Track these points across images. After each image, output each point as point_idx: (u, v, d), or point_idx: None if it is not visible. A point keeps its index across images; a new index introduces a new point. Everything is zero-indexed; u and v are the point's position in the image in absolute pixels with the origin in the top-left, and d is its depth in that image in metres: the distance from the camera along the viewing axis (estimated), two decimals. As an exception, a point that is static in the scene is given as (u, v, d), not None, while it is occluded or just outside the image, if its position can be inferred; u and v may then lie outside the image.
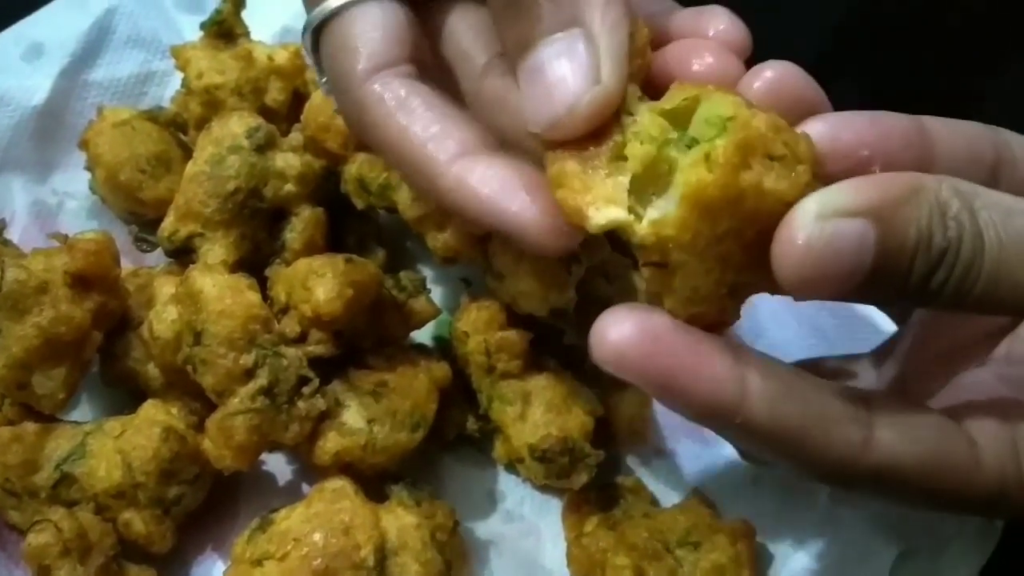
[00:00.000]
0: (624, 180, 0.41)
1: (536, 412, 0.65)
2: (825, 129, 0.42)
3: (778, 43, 0.51)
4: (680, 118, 0.41)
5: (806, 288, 0.39)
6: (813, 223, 0.38)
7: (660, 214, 0.40)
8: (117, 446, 0.61)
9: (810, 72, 0.46)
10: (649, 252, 0.42)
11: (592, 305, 0.66)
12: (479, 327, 0.66)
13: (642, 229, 0.41)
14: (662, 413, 0.70)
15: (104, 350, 0.67)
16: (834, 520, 0.64)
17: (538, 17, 0.43)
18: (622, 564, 0.59)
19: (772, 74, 0.45)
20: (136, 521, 0.61)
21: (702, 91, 0.41)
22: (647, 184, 0.41)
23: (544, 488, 0.68)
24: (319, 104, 0.68)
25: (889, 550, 0.62)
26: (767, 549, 0.64)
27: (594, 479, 0.65)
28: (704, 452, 0.69)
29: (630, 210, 0.41)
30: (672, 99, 0.42)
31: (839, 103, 0.46)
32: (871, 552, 0.63)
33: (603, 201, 0.41)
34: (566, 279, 0.63)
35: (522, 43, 0.43)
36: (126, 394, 0.67)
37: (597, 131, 0.43)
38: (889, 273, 0.40)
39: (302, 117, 0.70)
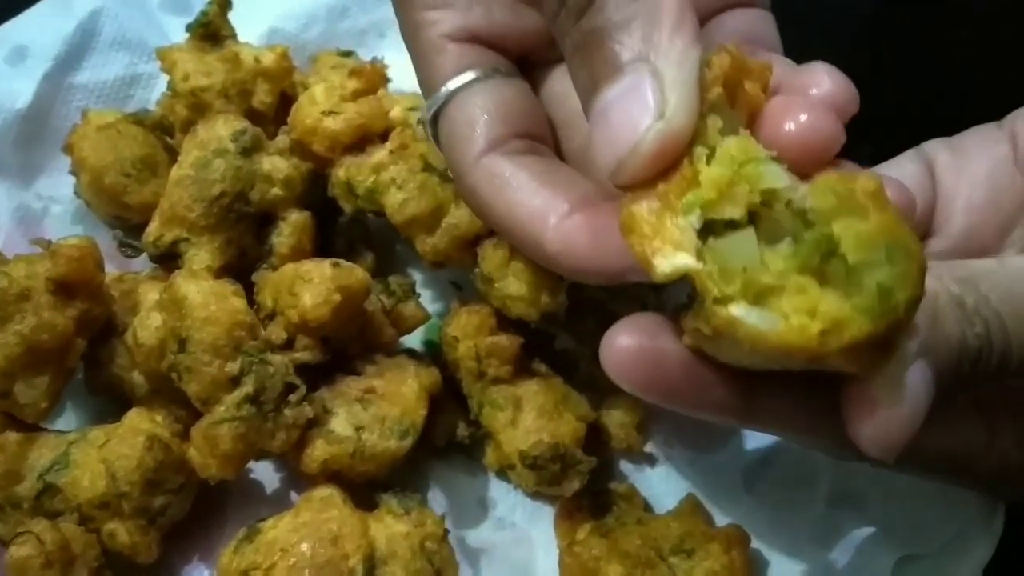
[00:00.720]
0: (692, 220, 0.38)
1: (527, 418, 0.64)
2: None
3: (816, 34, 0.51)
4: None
5: (889, 453, 0.40)
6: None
7: (770, 325, 0.36)
8: (101, 455, 0.60)
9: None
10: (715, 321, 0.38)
11: (584, 309, 0.65)
12: (469, 332, 0.65)
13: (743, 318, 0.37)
14: (656, 419, 0.69)
15: (88, 357, 0.66)
16: (831, 526, 0.63)
17: (603, 59, 0.41)
18: (615, 572, 0.58)
19: (830, 83, 0.45)
20: (121, 532, 0.60)
21: (852, 196, 0.36)
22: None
23: (536, 495, 0.67)
24: (306, 106, 0.67)
25: (888, 555, 0.61)
26: (762, 556, 0.63)
27: (587, 486, 0.64)
28: (698, 459, 0.68)
29: (699, 254, 0.38)
30: (819, 192, 0.37)
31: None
32: (870, 558, 0.62)
33: (670, 246, 0.38)
34: (557, 283, 0.62)
35: (591, 87, 0.42)
36: (111, 402, 0.66)
37: (670, 171, 0.39)
38: (945, 389, 0.41)
39: (289, 120, 0.69)
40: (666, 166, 0.40)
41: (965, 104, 0.56)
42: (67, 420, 0.68)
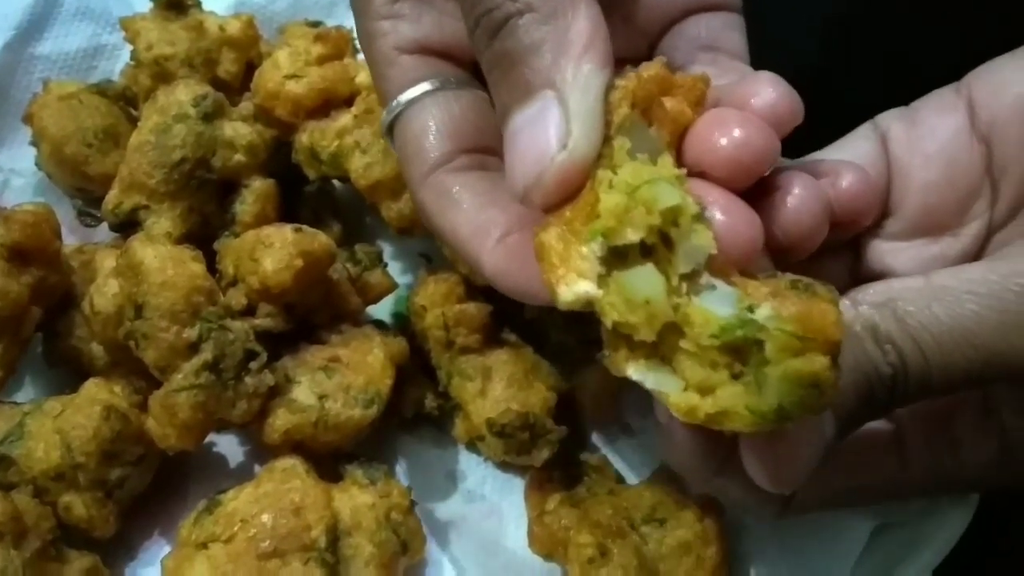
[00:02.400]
0: (595, 248, 0.38)
1: (496, 387, 0.62)
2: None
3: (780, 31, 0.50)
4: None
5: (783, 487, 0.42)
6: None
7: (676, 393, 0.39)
8: (56, 426, 0.58)
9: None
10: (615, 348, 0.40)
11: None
12: (437, 300, 0.64)
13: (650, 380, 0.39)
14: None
15: (47, 329, 0.64)
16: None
17: (514, 82, 0.41)
18: (585, 542, 0.57)
19: (773, 94, 0.44)
20: (77, 504, 0.58)
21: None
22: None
23: (506, 468, 0.65)
24: (269, 71, 0.66)
25: (864, 524, 0.60)
26: (735, 526, 0.61)
27: (558, 457, 0.62)
28: (672, 428, 0.66)
29: (601, 280, 0.38)
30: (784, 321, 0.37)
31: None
32: (845, 527, 0.60)
33: (574, 274, 0.38)
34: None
35: (503, 110, 0.42)
36: (70, 375, 0.65)
37: (575, 196, 0.39)
38: (854, 419, 0.42)
39: (252, 84, 0.67)
40: (570, 194, 0.40)
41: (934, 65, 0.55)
42: (26, 394, 0.67)
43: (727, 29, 0.52)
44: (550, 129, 0.39)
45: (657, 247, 0.38)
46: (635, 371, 0.39)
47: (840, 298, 0.38)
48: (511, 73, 0.41)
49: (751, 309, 0.37)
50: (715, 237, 0.38)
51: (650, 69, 0.41)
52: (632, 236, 0.38)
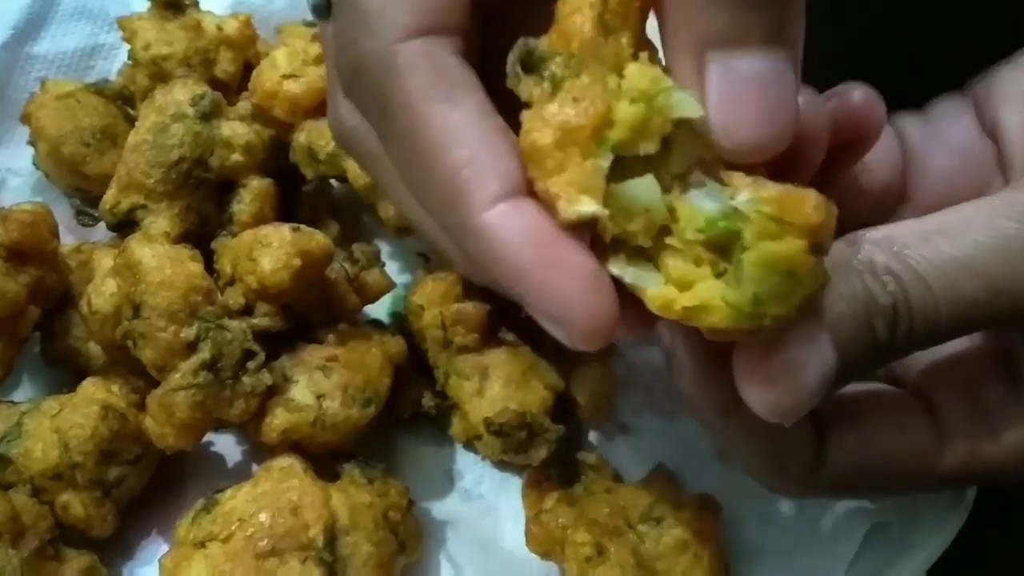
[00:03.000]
0: (603, 164, 0.35)
1: (494, 387, 0.63)
2: None
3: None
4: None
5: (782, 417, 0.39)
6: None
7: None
8: (54, 425, 0.58)
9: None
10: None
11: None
12: (435, 299, 0.64)
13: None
14: (625, 388, 0.68)
15: (45, 328, 0.64)
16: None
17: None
18: (582, 541, 0.57)
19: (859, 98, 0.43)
20: (75, 504, 0.58)
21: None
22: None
23: (503, 467, 0.65)
24: (266, 70, 0.66)
25: (860, 524, 0.60)
26: (733, 525, 0.61)
27: (555, 455, 0.62)
28: (668, 427, 0.67)
29: (607, 200, 0.36)
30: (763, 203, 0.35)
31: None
32: (841, 527, 0.61)
33: (576, 189, 0.35)
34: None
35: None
36: (68, 374, 0.65)
37: (580, 96, 0.36)
38: (856, 355, 0.40)
39: (249, 84, 0.67)
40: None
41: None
42: (24, 393, 0.67)
43: None
44: None
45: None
46: (615, 267, 0.37)
47: (827, 199, 0.36)
48: None
49: (732, 197, 0.35)
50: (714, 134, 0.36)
51: None
52: (646, 148, 0.36)
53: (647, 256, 0.37)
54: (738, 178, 0.36)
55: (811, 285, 0.35)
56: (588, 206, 0.35)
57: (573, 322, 0.35)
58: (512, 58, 0.37)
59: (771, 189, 0.35)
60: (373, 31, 0.39)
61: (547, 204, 0.36)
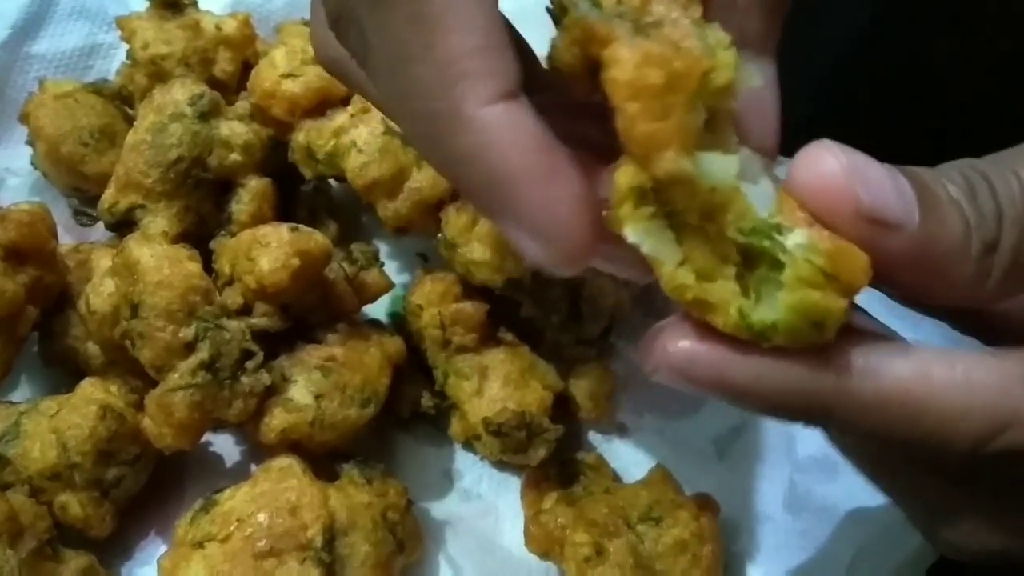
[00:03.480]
0: (700, 119, 0.34)
1: (493, 387, 0.62)
2: None
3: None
4: None
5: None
6: None
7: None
8: (52, 425, 0.58)
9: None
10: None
11: (550, 276, 0.64)
12: (433, 299, 0.64)
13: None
14: (625, 388, 0.67)
15: (43, 328, 0.64)
16: (802, 494, 0.62)
17: None
18: (581, 541, 0.57)
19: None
20: (73, 504, 0.58)
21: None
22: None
23: (502, 467, 0.65)
24: (265, 70, 0.66)
25: (859, 525, 0.60)
26: (732, 524, 0.61)
27: (554, 455, 0.62)
28: (668, 428, 0.66)
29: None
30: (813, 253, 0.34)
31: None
32: (840, 528, 0.61)
33: (682, 141, 0.33)
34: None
35: None
36: (66, 375, 0.65)
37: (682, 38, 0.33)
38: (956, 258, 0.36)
39: (248, 83, 0.67)
40: None
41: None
42: (22, 393, 0.67)
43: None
44: None
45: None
46: (633, 232, 0.35)
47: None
48: None
49: (780, 230, 0.35)
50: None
51: None
52: (728, 104, 0.35)
53: (671, 225, 0.36)
54: (789, 202, 0.35)
55: (831, 333, 0.35)
56: (689, 164, 0.34)
57: (559, 240, 0.34)
58: None
59: (827, 241, 0.34)
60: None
61: (641, 146, 0.34)
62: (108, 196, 0.65)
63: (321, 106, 0.65)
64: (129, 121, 0.73)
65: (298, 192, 0.70)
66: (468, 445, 0.65)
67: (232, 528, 0.55)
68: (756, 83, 0.35)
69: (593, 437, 0.67)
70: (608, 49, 0.34)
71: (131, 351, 0.58)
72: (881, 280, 0.36)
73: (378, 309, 0.69)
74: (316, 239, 0.61)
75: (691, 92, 0.33)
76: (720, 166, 0.35)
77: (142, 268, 0.57)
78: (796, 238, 0.35)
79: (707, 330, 0.36)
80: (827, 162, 0.35)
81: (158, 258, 0.58)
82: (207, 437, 0.63)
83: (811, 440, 0.63)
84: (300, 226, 0.61)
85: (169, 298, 0.57)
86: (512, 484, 0.65)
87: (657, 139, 0.33)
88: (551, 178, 0.34)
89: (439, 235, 0.63)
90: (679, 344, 0.37)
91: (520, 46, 0.42)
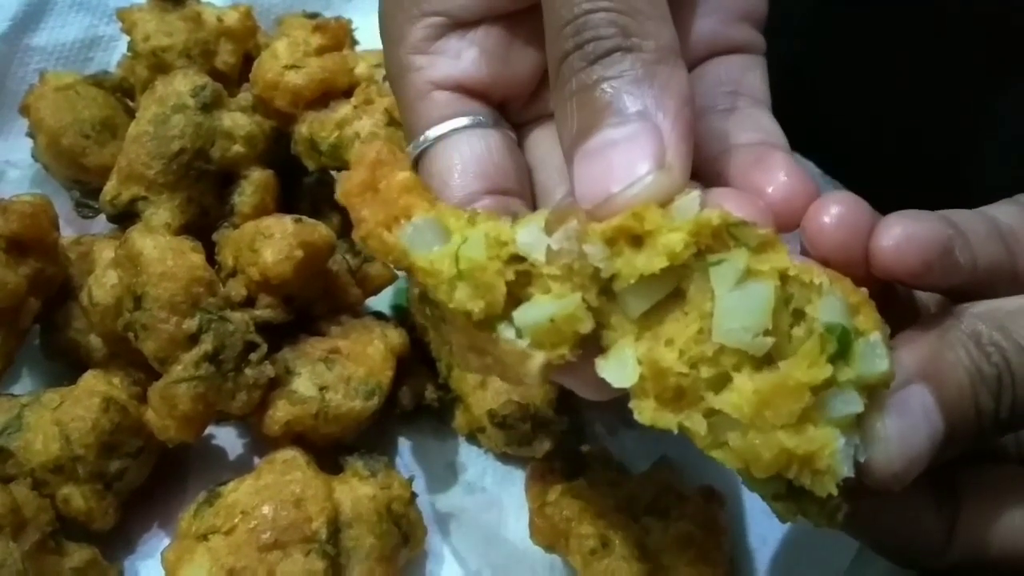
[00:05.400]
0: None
1: (497, 379, 0.62)
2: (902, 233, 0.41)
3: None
4: None
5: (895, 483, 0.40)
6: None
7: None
8: (54, 417, 0.58)
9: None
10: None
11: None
12: (437, 292, 0.63)
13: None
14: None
15: (45, 321, 0.64)
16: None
17: (603, 108, 0.41)
18: (587, 533, 0.57)
19: (838, 209, 0.42)
20: (76, 496, 0.58)
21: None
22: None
23: (507, 460, 0.65)
24: (267, 61, 0.65)
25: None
26: (738, 517, 0.61)
27: (559, 448, 0.62)
28: (673, 419, 0.66)
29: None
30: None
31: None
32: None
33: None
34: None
35: (587, 127, 0.42)
36: (68, 367, 0.64)
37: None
38: (963, 421, 0.40)
39: (250, 75, 0.67)
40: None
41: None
42: (24, 387, 0.66)
43: (748, 72, 0.51)
44: (647, 148, 0.40)
45: None
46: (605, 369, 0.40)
47: None
48: (600, 98, 0.41)
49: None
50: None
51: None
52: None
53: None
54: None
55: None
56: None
57: None
58: None
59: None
60: None
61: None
62: (110, 188, 0.65)
63: (324, 97, 0.65)
64: (130, 113, 0.72)
65: (301, 184, 0.70)
66: (472, 438, 0.65)
67: (236, 520, 0.55)
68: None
69: (598, 429, 0.67)
70: None
71: (134, 343, 0.58)
72: None
73: (381, 301, 0.69)
74: (320, 230, 0.61)
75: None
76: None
77: (145, 259, 0.57)
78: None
79: None
80: None
81: (161, 249, 0.57)
82: (210, 430, 0.63)
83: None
84: (304, 217, 0.61)
85: (173, 289, 0.57)
86: (516, 477, 0.64)
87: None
88: None
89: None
90: None
91: None
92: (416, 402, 0.65)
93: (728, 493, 0.60)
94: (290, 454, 0.58)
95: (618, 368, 0.39)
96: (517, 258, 0.40)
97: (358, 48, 0.71)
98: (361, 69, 0.66)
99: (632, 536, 0.57)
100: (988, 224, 0.45)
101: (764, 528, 0.61)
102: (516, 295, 0.40)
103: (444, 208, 0.42)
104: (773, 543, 0.61)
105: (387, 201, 0.42)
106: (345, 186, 0.43)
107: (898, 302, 0.46)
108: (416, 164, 0.50)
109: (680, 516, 0.58)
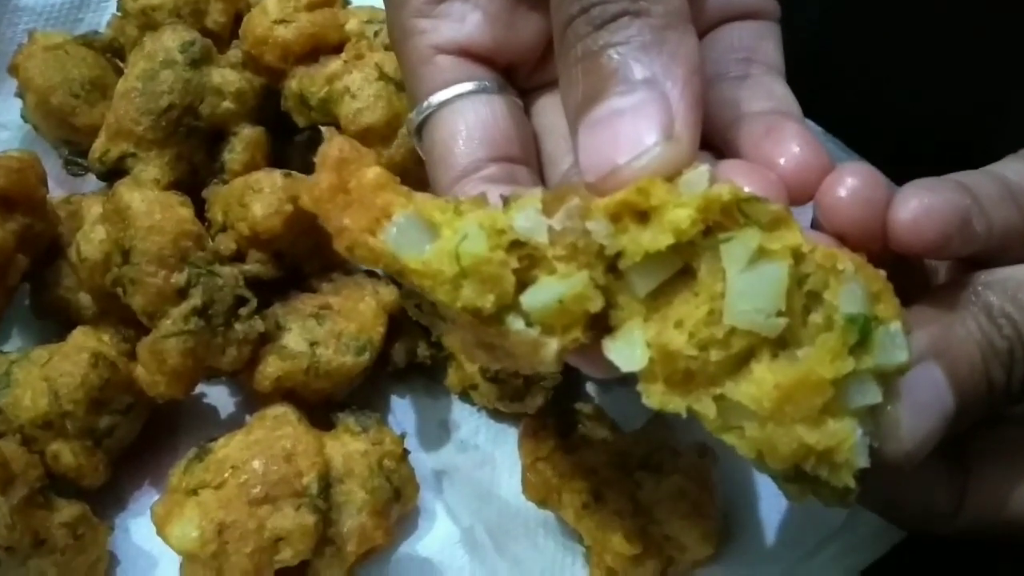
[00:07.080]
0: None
1: (490, 337, 0.62)
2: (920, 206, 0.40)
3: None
4: None
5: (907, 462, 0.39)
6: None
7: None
8: (43, 373, 0.57)
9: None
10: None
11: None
12: (429, 248, 0.63)
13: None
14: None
15: (34, 279, 0.64)
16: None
17: (609, 75, 0.40)
18: (579, 488, 0.56)
19: (853, 182, 0.41)
20: (65, 453, 0.57)
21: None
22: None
23: (499, 417, 0.65)
24: (257, 16, 0.65)
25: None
26: (729, 473, 0.61)
27: (552, 406, 0.62)
28: (666, 377, 0.66)
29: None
30: None
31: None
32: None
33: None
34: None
35: (593, 95, 0.40)
36: (58, 326, 0.64)
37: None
38: (974, 396, 0.40)
39: (240, 30, 0.66)
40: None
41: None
42: (13, 345, 0.66)
43: (762, 39, 0.50)
44: (654, 118, 0.39)
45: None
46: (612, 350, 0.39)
47: None
48: (606, 65, 0.40)
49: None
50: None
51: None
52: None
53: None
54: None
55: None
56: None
57: None
58: None
59: None
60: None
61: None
62: (99, 144, 0.64)
63: (314, 52, 0.64)
64: (120, 73, 0.72)
65: (292, 142, 0.69)
66: (465, 395, 0.65)
67: (226, 475, 0.55)
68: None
69: (591, 386, 0.66)
70: None
71: (123, 298, 0.58)
72: None
73: (373, 260, 0.69)
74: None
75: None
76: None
77: (133, 213, 0.56)
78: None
79: None
80: None
81: (149, 203, 0.57)
82: (201, 388, 0.63)
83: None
84: (294, 172, 0.61)
85: (161, 243, 0.56)
86: (509, 435, 0.64)
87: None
88: None
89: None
90: None
91: None
92: (409, 359, 0.64)
93: (720, 450, 0.59)
94: (281, 410, 0.58)
95: (627, 351, 0.38)
96: (517, 243, 0.38)
97: (349, 3, 0.71)
98: (352, 25, 0.65)
99: (625, 490, 0.57)
100: (1000, 185, 0.44)
101: (756, 485, 0.61)
102: (521, 281, 0.38)
103: (422, 200, 0.40)
104: (765, 499, 0.61)
105: (364, 203, 0.40)
106: (314, 192, 0.41)
107: (907, 268, 0.45)
108: (419, 131, 0.49)
109: (673, 471, 0.57)
